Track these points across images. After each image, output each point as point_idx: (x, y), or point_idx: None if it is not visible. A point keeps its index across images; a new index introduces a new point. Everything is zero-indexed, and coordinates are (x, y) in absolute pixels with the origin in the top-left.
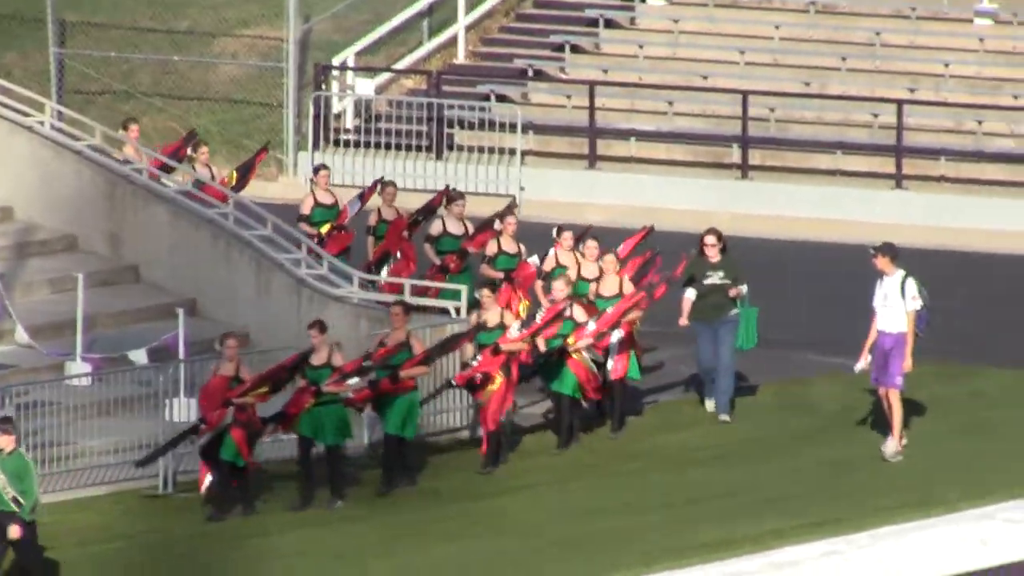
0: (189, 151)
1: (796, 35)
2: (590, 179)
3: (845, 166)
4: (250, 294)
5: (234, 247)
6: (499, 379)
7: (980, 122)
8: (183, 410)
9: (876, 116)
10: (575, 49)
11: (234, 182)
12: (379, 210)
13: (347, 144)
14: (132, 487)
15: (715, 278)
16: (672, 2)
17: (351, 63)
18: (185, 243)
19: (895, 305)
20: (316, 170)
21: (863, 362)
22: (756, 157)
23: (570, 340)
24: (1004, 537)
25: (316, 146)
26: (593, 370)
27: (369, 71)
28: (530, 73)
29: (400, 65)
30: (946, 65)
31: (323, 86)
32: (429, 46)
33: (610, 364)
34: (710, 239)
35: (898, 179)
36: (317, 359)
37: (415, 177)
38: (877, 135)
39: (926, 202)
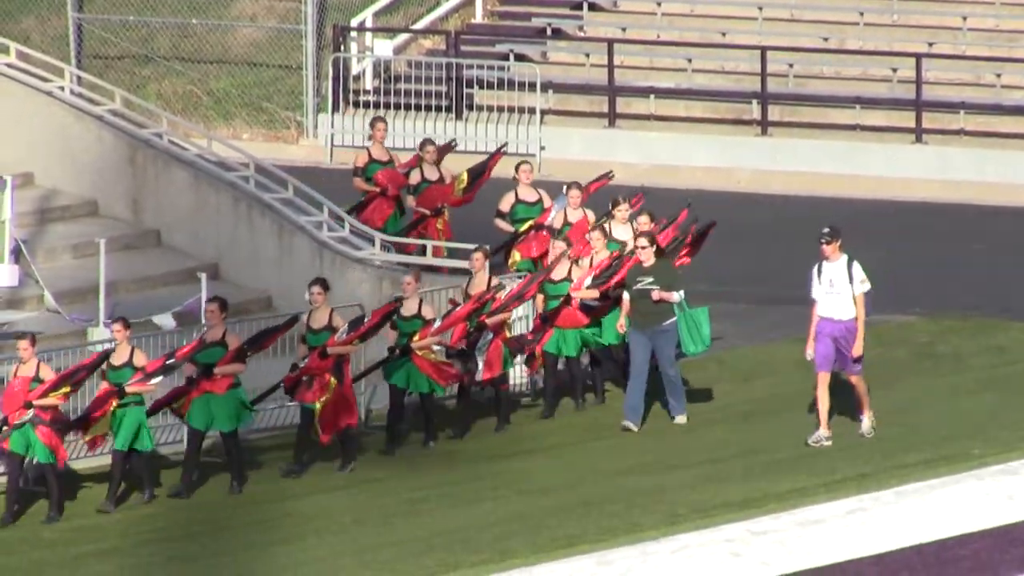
0: (418, 152)
1: None
2: (609, 137)
3: (864, 121)
4: (272, 257)
5: (255, 210)
6: (332, 384)
7: (999, 75)
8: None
9: (895, 71)
10: (593, 7)
11: (464, 184)
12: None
13: (367, 105)
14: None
15: (645, 283)
16: None
17: (369, 24)
18: (206, 207)
19: (843, 290)
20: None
21: (811, 350)
22: (775, 113)
23: (415, 338)
24: None
25: (336, 108)
26: (439, 362)
27: (387, 32)
28: (548, 32)
29: (418, 25)
30: (964, 18)
31: (342, 48)
32: (447, 6)
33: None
34: (642, 242)
35: (918, 133)
36: (117, 358)
37: (435, 138)
38: (896, 89)
39: (945, 156)
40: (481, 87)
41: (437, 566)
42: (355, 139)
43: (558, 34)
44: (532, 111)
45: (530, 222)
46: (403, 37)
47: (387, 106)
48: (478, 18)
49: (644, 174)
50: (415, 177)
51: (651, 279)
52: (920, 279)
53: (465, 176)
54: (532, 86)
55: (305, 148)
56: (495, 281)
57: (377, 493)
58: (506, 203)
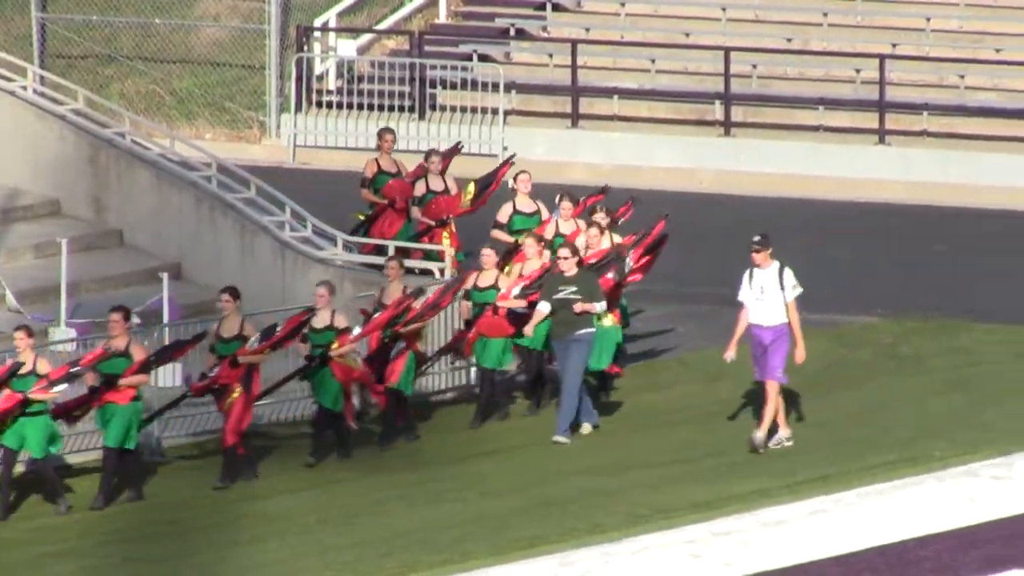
0: (423, 162)
1: None
2: (573, 138)
3: (827, 122)
4: (234, 257)
5: (218, 210)
6: (237, 392)
7: (962, 76)
8: (169, 375)
9: (858, 71)
10: (557, 8)
11: (472, 195)
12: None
13: (330, 105)
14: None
15: (566, 293)
16: None
17: (333, 24)
18: (169, 207)
19: (773, 297)
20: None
21: (732, 354)
22: (738, 114)
23: (334, 346)
24: (991, 494)
25: (299, 108)
26: (358, 369)
27: (351, 32)
28: (512, 32)
29: (382, 26)
30: (928, 20)
31: (305, 48)
32: (411, 6)
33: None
34: (564, 252)
35: (881, 134)
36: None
37: (397, 138)
38: (859, 90)
39: (909, 157)
40: (444, 87)
41: (398, 567)
42: (318, 139)
43: (521, 34)
44: (495, 111)
45: (526, 233)
46: (366, 37)
47: (350, 106)
48: (442, 18)
49: (607, 175)
50: (420, 188)
51: (573, 289)
52: (883, 280)
53: (472, 187)
54: (495, 86)
55: (268, 148)
56: (410, 290)
57: (339, 494)
58: (504, 214)
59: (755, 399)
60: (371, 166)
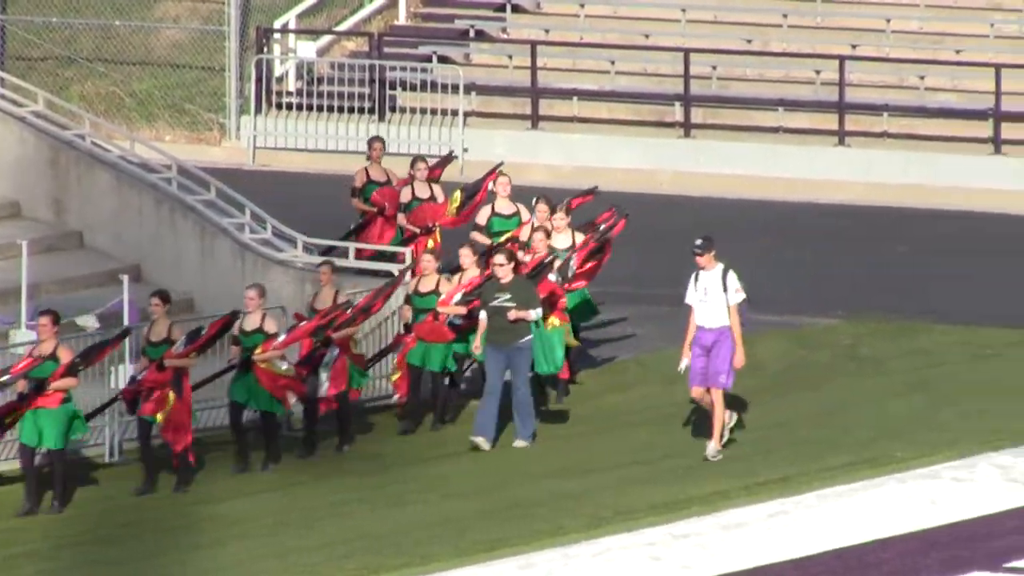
0: (410, 169)
1: None
2: (533, 139)
3: (787, 123)
4: (194, 259)
5: (178, 212)
6: (171, 397)
7: (922, 77)
8: (128, 377)
9: (818, 73)
10: (516, 9)
11: (458, 203)
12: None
13: (289, 107)
14: (78, 456)
15: (501, 300)
16: None
17: (292, 25)
18: (129, 208)
19: (716, 299)
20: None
21: (686, 360)
22: (698, 115)
23: (258, 351)
24: (952, 496)
25: (259, 110)
26: (284, 374)
27: (310, 33)
28: (471, 34)
29: (342, 27)
30: (888, 20)
31: (265, 49)
32: (370, 8)
33: (324, 381)
34: (499, 259)
35: (841, 135)
36: None
37: (358, 140)
38: (819, 91)
39: (869, 158)
40: (404, 89)
41: (359, 569)
42: (278, 141)
43: (481, 36)
44: (455, 113)
45: (507, 235)
46: (326, 39)
47: (310, 108)
48: (401, 20)
49: (567, 176)
50: (406, 195)
51: (508, 296)
52: (843, 281)
53: (459, 195)
54: (455, 88)
55: (228, 150)
56: (342, 297)
57: (300, 496)
58: (483, 216)
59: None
60: (361, 175)
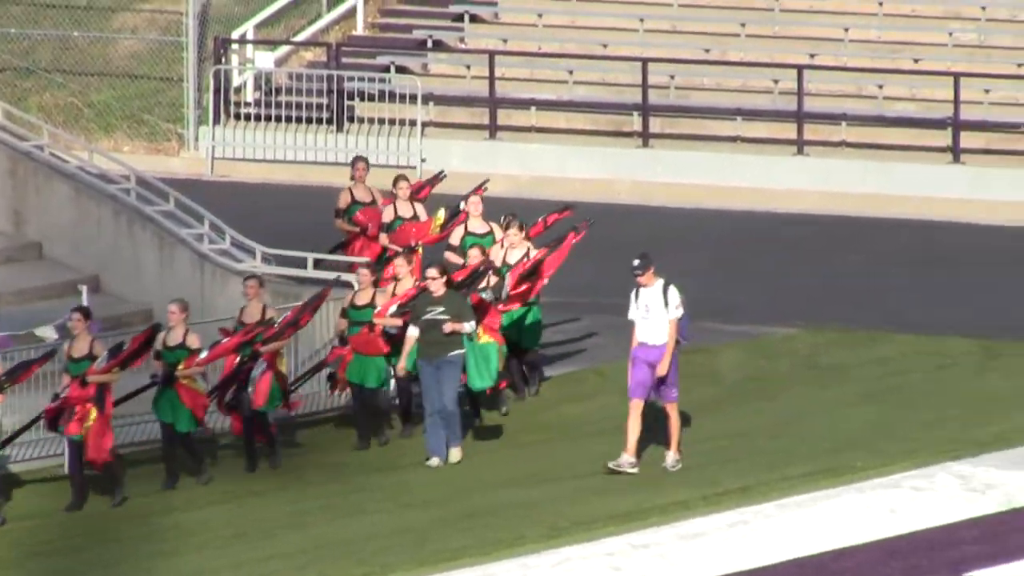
0: (392, 188)
1: (695, 1)
2: (491, 149)
3: (746, 133)
4: (153, 270)
5: (136, 223)
6: (93, 413)
7: (880, 87)
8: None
9: (776, 82)
10: (474, 19)
11: (441, 221)
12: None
13: (248, 117)
14: (41, 466)
15: (435, 313)
16: None
17: (250, 36)
18: (87, 219)
19: (657, 315)
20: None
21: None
22: (656, 125)
23: (180, 367)
24: (911, 505)
25: (217, 120)
26: (203, 393)
27: (269, 44)
28: (429, 44)
29: (299, 37)
30: (846, 30)
31: (223, 59)
32: (328, 18)
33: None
34: (432, 272)
35: (799, 145)
36: None
37: (316, 150)
38: (778, 101)
39: (827, 167)
40: (362, 99)
41: None
42: (236, 151)
43: (439, 46)
44: (413, 123)
45: (476, 253)
46: (284, 49)
47: (268, 118)
48: (359, 30)
49: (525, 186)
50: (388, 214)
51: (441, 309)
52: (802, 291)
53: (443, 214)
54: (413, 98)
55: (186, 160)
56: (270, 312)
57: (259, 506)
58: (456, 236)
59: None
60: (345, 196)
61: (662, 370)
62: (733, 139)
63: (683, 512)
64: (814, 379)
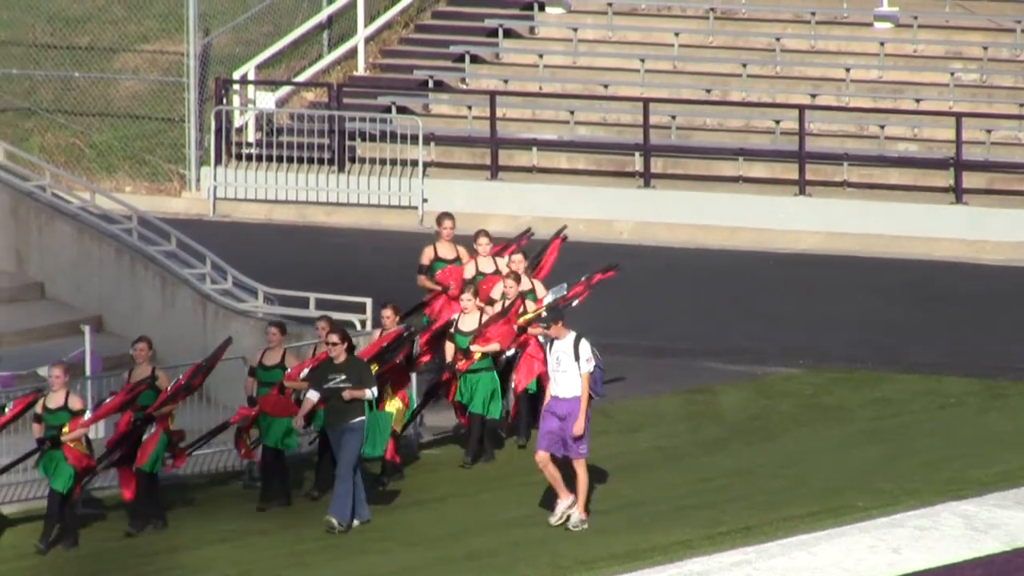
0: (436, 227)
1: (696, 42)
2: (492, 190)
3: (747, 173)
4: (155, 309)
5: (138, 262)
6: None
7: (882, 127)
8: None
9: (778, 122)
10: (475, 59)
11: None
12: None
13: (249, 158)
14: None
15: (336, 381)
16: (571, 11)
17: (252, 76)
18: (89, 259)
19: (569, 368)
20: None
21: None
22: (658, 165)
23: (65, 429)
24: (915, 545)
25: (219, 160)
26: (88, 456)
27: (270, 84)
28: (430, 84)
29: (301, 78)
30: (847, 70)
31: (224, 100)
32: (329, 58)
33: None
34: (333, 339)
35: (801, 185)
36: None
37: (317, 190)
38: (779, 141)
39: (829, 208)
40: (363, 139)
41: None
42: (238, 192)
43: (440, 86)
44: (414, 163)
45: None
46: (285, 89)
47: (270, 159)
48: (360, 71)
49: (527, 226)
50: (470, 271)
51: (343, 377)
52: (804, 331)
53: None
54: (414, 138)
55: (188, 200)
56: (159, 374)
57: (263, 546)
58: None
59: (675, 450)
60: (428, 252)
61: (578, 428)
62: (735, 179)
63: (685, 551)
64: (817, 419)
